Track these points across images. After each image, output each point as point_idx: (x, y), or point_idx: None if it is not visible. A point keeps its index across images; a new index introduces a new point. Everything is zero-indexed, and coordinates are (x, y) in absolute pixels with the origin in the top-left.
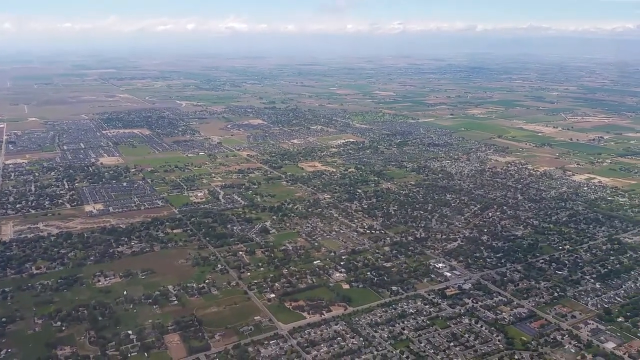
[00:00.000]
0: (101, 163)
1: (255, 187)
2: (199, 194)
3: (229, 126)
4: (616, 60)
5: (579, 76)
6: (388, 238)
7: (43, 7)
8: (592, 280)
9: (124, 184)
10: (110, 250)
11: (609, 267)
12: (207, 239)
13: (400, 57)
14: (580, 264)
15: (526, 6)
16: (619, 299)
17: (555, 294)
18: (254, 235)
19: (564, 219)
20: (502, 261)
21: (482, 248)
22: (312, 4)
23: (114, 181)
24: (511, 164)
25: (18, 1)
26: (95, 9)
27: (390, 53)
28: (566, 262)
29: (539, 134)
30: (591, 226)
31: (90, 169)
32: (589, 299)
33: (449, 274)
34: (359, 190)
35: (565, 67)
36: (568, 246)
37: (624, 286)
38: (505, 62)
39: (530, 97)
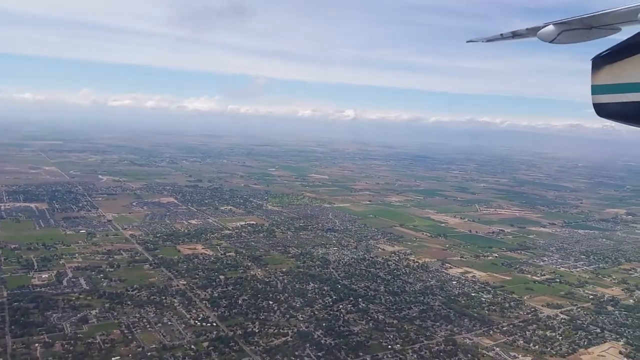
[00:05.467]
0: None
1: (111, 270)
2: (43, 276)
3: (134, 203)
4: (560, 156)
5: (517, 169)
6: (215, 332)
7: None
8: None
9: None
10: None
11: None
12: (13, 327)
13: (355, 142)
14: None
15: (482, 101)
16: None
17: None
18: (67, 325)
19: (414, 314)
20: None
21: (307, 345)
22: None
23: None
24: (395, 254)
25: None
26: (55, 81)
27: (346, 138)
28: None
29: (442, 224)
30: (437, 324)
31: None
32: None
33: None
34: (221, 277)
35: (508, 160)
36: (399, 345)
37: None
38: (453, 153)
39: (455, 187)
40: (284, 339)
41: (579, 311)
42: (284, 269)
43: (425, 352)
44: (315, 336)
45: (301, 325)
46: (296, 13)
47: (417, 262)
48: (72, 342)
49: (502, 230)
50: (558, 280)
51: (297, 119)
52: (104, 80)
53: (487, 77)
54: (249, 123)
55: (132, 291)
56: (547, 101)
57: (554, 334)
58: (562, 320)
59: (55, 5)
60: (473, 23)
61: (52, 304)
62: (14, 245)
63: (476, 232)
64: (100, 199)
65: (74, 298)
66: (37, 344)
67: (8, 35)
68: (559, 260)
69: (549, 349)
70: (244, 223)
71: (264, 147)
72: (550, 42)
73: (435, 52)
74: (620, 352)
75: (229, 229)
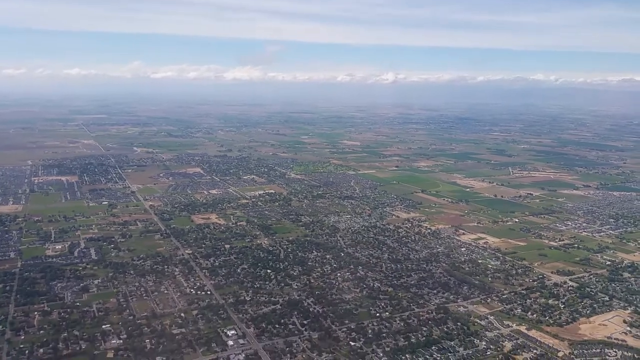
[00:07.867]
0: None
1: (122, 240)
2: (57, 247)
3: (161, 174)
4: (617, 113)
5: (566, 128)
6: (208, 300)
7: (50, 54)
8: (382, 354)
9: None
10: None
11: (412, 340)
12: (18, 296)
13: (396, 106)
14: (384, 334)
15: (535, 57)
16: None
17: None
18: (68, 294)
19: (412, 282)
20: (305, 329)
21: (295, 313)
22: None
23: None
24: (408, 221)
25: (25, 48)
26: (103, 55)
27: (388, 102)
28: (370, 331)
29: (467, 189)
30: (434, 291)
31: None
32: None
33: (231, 343)
34: (227, 246)
35: (558, 119)
36: (387, 313)
37: None
38: (500, 114)
39: (493, 150)
40: (273, 307)
41: (591, 278)
42: (290, 238)
43: (414, 320)
44: (305, 304)
45: (294, 293)
46: None
47: (429, 228)
48: (68, 310)
49: (530, 193)
50: (576, 245)
51: (335, 84)
52: (149, 52)
53: (539, 32)
54: (289, 91)
55: (137, 261)
56: (604, 55)
57: (556, 302)
58: (570, 288)
59: None
60: None
61: (59, 274)
62: (37, 218)
63: (502, 196)
64: (129, 170)
65: (80, 268)
66: (36, 312)
67: (55, 11)
68: (584, 224)
69: (547, 317)
70: (262, 192)
71: (302, 114)
72: None
73: (483, 8)
74: (625, 321)
75: (246, 198)
